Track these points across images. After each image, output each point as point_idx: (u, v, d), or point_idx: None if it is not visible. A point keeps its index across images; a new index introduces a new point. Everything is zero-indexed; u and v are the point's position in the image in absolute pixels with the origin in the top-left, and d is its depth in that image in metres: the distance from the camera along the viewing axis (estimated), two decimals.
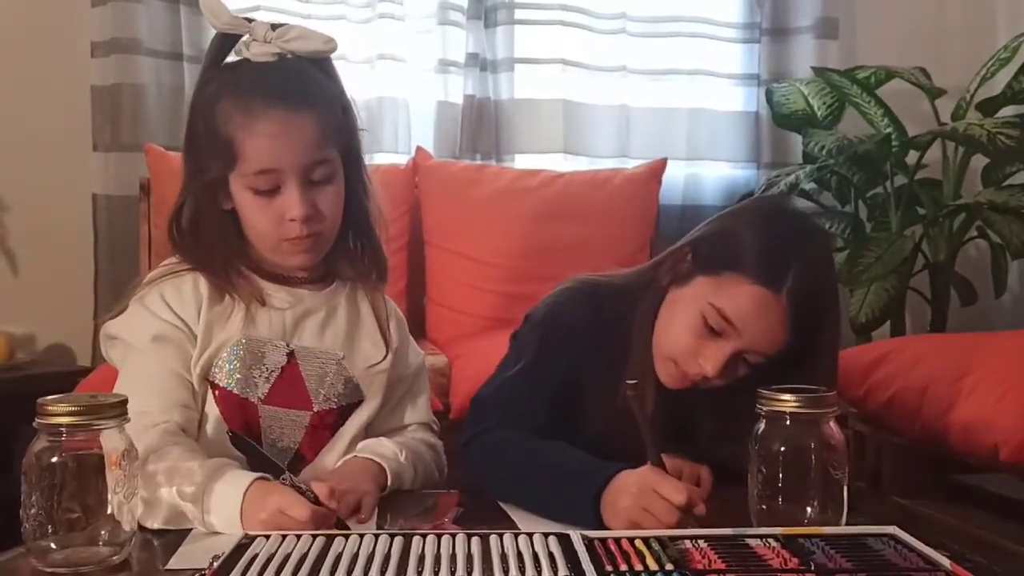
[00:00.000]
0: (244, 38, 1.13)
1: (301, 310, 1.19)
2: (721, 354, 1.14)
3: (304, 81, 1.13)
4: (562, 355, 1.23)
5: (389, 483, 1.16)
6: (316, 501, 0.98)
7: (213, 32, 2.40)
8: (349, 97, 1.19)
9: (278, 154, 1.10)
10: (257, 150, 1.10)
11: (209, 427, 1.14)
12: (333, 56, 1.19)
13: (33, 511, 0.87)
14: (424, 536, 0.88)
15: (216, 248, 1.17)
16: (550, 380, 1.22)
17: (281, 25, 1.13)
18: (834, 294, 1.20)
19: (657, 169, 2.45)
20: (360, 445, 1.19)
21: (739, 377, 1.16)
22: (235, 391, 1.14)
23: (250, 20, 1.14)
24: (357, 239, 1.23)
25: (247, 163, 1.11)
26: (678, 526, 0.95)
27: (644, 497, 0.98)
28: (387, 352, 1.23)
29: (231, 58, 1.16)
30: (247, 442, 1.05)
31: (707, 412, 1.23)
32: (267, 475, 1.01)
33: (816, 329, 1.14)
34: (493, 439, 1.18)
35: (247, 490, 0.99)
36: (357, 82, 2.48)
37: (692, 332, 1.15)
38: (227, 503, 0.99)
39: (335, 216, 1.17)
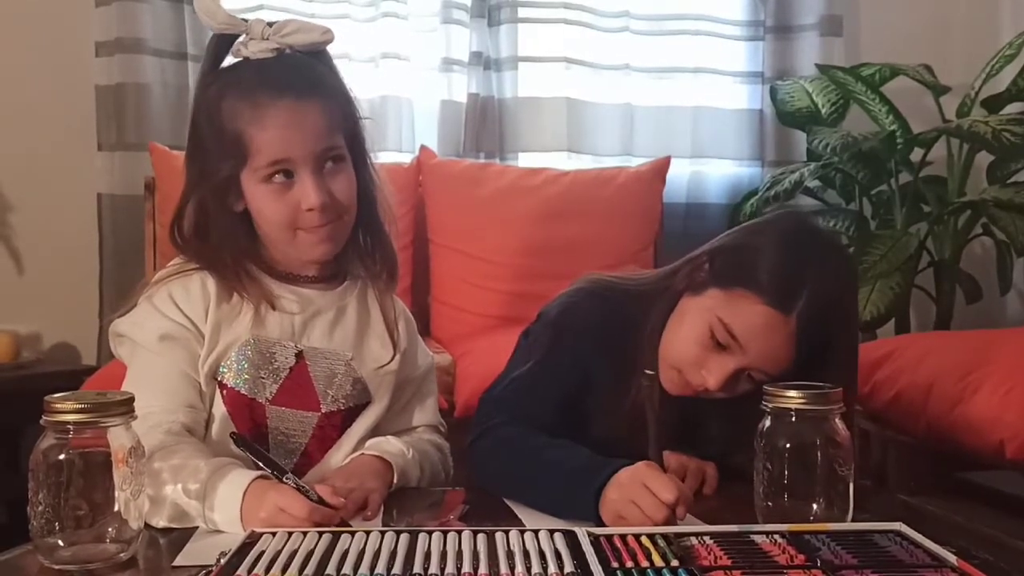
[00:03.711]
0: (241, 38, 1.13)
1: (311, 310, 1.19)
2: (724, 369, 1.13)
3: (308, 71, 1.13)
4: (573, 355, 1.23)
5: (395, 480, 1.16)
6: (320, 501, 0.98)
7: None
8: (349, 88, 1.19)
9: (289, 144, 1.10)
10: (268, 142, 1.10)
11: (216, 427, 1.14)
12: (337, 54, 1.19)
13: (40, 508, 0.87)
14: (430, 533, 0.88)
15: (226, 249, 1.17)
16: (560, 379, 1.22)
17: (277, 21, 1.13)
18: (850, 317, 1.19)
19: (661, 167, 2.45)
20: (367, 443, 1.19)
21: (744, 392, 1.15)
22: (243, 391, 1.14)
23: (245, 20, 1.14)
24: (366, 234, 1.23)
25: (259, 156, 1.11)
26: (665, 524, 0.95)
27: (634, 490, 0.98)
28: (395, 353, 1.23)
29: (229, 60, 1.16)
30: (250, 444, 1.05)
31: (716, 418, 1.23)
32: (267, 474, 1.01)
33: (826, 351, 1.13)
34: (500, 435, 1.18)
35: (247, 489, 0.99)
36: (361, 81, 2.48)
37: (698, 343, 1.15)
38: (229, 503, 0.99)
39: (350, 201, 1.16)
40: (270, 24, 1.12)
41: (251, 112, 1.10)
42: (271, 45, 1.12)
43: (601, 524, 1.00)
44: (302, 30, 1.13)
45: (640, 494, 0.97)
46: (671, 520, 0.96)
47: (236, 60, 1.14)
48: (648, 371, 1.03)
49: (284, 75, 1.12)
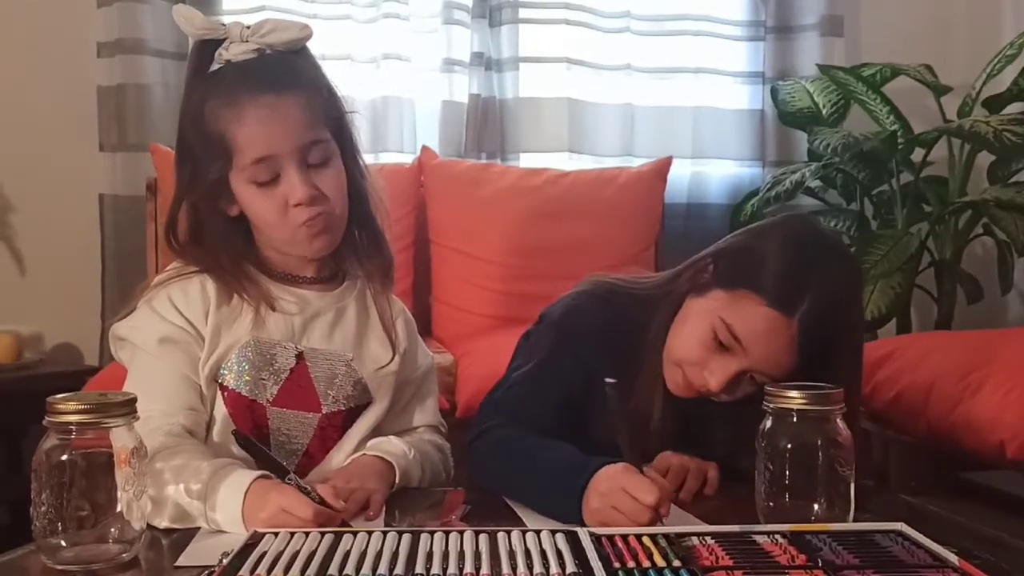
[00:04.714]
0: (223, 44, 1.14)
1: (310, 311, 1.19)
2: (727, 371, 1.13)
3: (286, 67, 1.14)
4: (575, 357, 1.23)
5: (397, 481, 1.16)
6: (322, 502, 0.98)
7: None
8: (332, 83, 1.19)
9: (271, 139, 1.11)
10: (250, 138, 1.10)
11: (217, 429, 1.14)
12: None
13: (43, 509, 0.87)
14: (432, 533, 0.88)
15: (223, 252, 1.17)
16: (562, 381, 1.22)
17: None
18: (853, 322, 1.19)
19: (662, 167, 2.45)
20: (369, 443, 1.19)
21: (746, 394, 1.15)
22: (244, 393, 1.14)
23: (223, 25, 1.14)
24: (360, 230, 1.23)
25: (243, 155, 1.11)
26: (650, 525, 0.95)
27: (614, 497, 0.98)
28: (394, 354, 1.23)
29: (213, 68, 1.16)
30: (251, 441, 1.05)
31: (722, 420, 1.22)
32: (269, 473, 1.02)
33: (828, 356, 1.12)
34: (496, 437, 1.18)
35: (248, 489, 0.99)
36: (362, 82, 2.48)
37: (701, 344, 1.15)
38: (230, 503, 0.99)
39: (340, 197, 1.16)
40: (248, 27, 1.13)
41: (231, 112, 1.10)
42: (251, 46, 1.12)
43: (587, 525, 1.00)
44: (279, 28, 1.14)
45: (621, 500, 0.97)
46: (656, 521, 0.95)
47: (219, 66, 1.15)
48: (609, 379, 1.02)
49: (261, 72, 1.12)
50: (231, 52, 1.13)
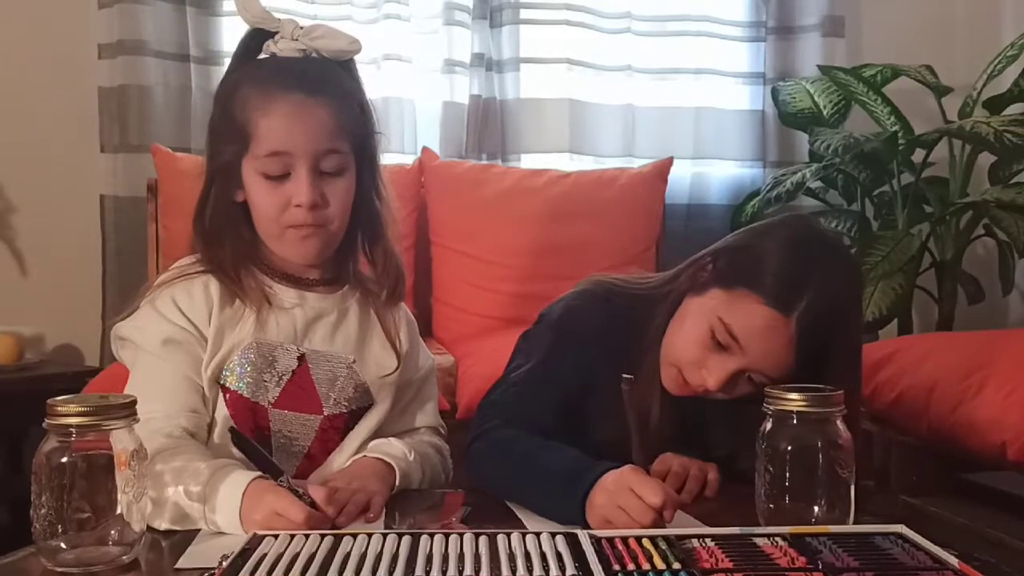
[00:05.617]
0: (274, 37, 1.15)
1: (312, 313, 1.19)
2: (724, 369, 1.13)
3: (325, 73, 1.15)
4: (574, 357, 1.23)
5: (397, 483, 1.16)
6: (312, 505, 0.98)
7: (219, 33, 2.42)
8: (368, 100, 1.20)
9: (291, 136, 1.11)
10: (271, 130, 1.11)
11: (219, 431, 1.14)
12: None
13: (43, 511, 0.87)
14: (432, 535, 0.88)
15: (227, 241, 1.17)
16: (560, 381, 1.22)
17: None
18: (852, 323, 1.18)
19: (663, 168, 2.45)
20: (370, 445, 1.19)
21: (745, 394, 1.15)
22: (246, 395, 1.14)
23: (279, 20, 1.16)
24: (367, 243, 1.23)
25: (260, 144, 1.12)
26: (653, 527, 0.95)
27: (620, 496, 0.98)
28: (398, 363, 1.23)
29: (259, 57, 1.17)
30: (246, 440, 1.05)
31: (723, 422, 1.22)
32: (266, 475, 1.02)
33: (827, 357, 1.12)
34: (494, 438, 1.18)
35: (245, 490, 0.99)
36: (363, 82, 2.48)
37: (699, 343, 1.15)
38: (229, 504, 0.99)
39: (342, 211, 1.17)
40: (302, 27, 1.15)
41: (260, 100, 1.12)
42: (299, 46, 1.14)
43: (588, 527, 1.00)
44: (329, 36, 1.16)
45: (627, 498, 0.97)
46: (659, 523, 0.95)
47: (264, 56, 1.16)
48: (626, 375, 1.02)
49: (300, 71, 1.14)
50: (279, 46, 1.15)
